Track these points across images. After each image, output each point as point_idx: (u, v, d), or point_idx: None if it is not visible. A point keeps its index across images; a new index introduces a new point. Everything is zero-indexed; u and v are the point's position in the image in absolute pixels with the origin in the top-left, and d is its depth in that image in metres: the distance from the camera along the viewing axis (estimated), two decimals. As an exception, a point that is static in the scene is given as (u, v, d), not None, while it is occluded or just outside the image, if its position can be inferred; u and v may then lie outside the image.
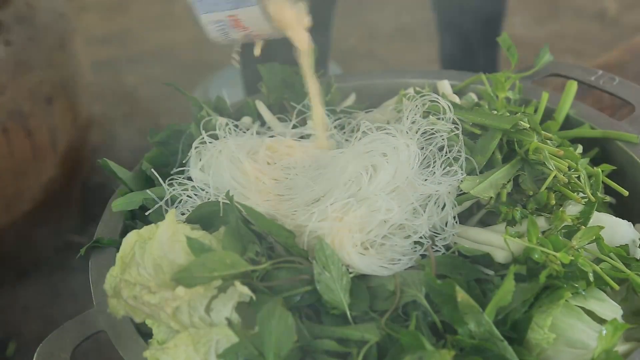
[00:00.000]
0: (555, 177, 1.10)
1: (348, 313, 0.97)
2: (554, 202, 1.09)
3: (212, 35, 1.20)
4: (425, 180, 1.10)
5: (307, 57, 1.23)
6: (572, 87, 1.31)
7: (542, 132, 1.19)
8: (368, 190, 1.08)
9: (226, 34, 1.19)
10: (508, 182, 1.10)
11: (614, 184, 1.18)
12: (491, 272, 1.03)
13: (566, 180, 1.10)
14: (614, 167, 1.21)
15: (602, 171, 1.16)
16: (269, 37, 1.21)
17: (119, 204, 1.17)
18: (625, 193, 1.17)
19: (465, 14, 2.38)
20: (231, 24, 1.16)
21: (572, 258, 0.99)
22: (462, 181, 1.09)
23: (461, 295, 0.94)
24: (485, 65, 1.60)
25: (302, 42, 1.22)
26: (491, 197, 1.10)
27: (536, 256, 1.00)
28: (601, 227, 1.04)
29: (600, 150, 1.27)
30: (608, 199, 1.17)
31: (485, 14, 2.36)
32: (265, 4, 1.14)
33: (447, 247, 1.08)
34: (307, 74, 1.25)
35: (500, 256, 1.04)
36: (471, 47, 2.38)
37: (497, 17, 2.40)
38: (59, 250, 2.41)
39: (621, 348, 0.98)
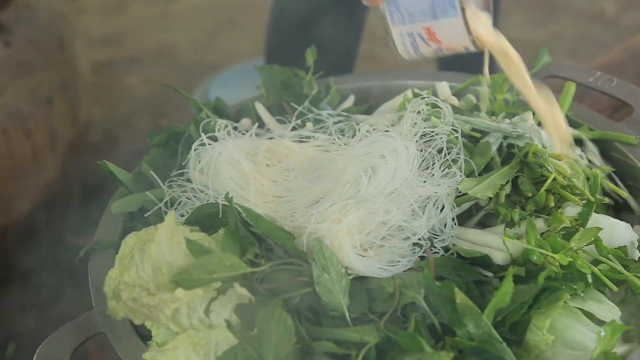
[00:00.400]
0: (554, 178, 1.10)
1: (347, 315, 0.97)
2: (552, 204, 1.09)
3: (400, 49, 1.13)
4: (425, 182, 1.11)
5: (516, 64, 1.15)
6: (571, 88, 1.31)
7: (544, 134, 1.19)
8: (367, 192, 1.08)
9: (417, 47, 1.11)
10: (506, 183, 1.11)
11: (612, 185, 1.18)
12: (490, 274, 1.04)
13: (565, 182, 1.10)
14: (613, 169, 1.21)
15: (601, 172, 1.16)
16: (459, 51, 1.13)
17: (118, 206, 1.17)
18: (625, 195, 1.17)
19: None
20: (425, 37, 1.09)
21: (571, 260, 0.99)
22: (460, 182, 1.09)
23: (460, 297, 0.94)
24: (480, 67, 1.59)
25: (507, 51, 1.15)
26: (490, 199, 1.10)
27: (534, 258, 1.00)
28: (599, 229, 1.04)
29: (599, 152, 1.27)
30: (606, 200, 1.17)
31: None
32: (467, 14, 1.07)
33: (446, 249, 1.08)
34: (522, 84, 1.17)
35: (498, 258, 1.04)
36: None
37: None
38: (58, 251, 2.41)
39: (620, 349, 0.98)
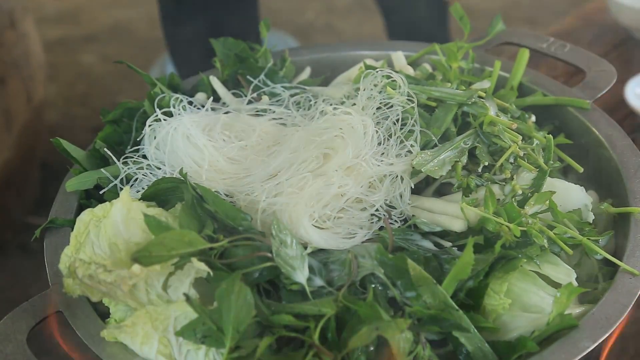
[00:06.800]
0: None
1: (306, 288, 0.97)
2: (509, 175, 1.10)
3: None
4: (382, 161, 1.10)
5: None
6: (524, 54, 1.31)
7: (499, 101, 1.19)
8: (324, 168, 1.08)
9: None
10: (462, 155, 1.11)
11: (568, 158, 1.19)
12: (448, 244, 1.04)
13: (521, 153, 1.11)
14: (570, 142, 1.22)
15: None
16: None
17: (72, 183, 1.15)
18: (580, 169, 1.18)
19: None
20: None
21: (525, 229, 1.00)
22: (415, 158, 1.09)
23: (414, 268, 0.94)
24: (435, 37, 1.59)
25: None
26: (447, 170, 1.10)
27: (491, 227, 1.01)
28: (553, 192, 1.05)
29: (554, 117, 1.28)
30: (558, 164, 1.18)
31: None
32: None
33: (404, 219, 1.08)
34: None
35: (456, 225, 1.05)
36: (416, 22, 2.38)
37: None
38: (16, 232, 2.39)
39: (575, 311, 1.00)
